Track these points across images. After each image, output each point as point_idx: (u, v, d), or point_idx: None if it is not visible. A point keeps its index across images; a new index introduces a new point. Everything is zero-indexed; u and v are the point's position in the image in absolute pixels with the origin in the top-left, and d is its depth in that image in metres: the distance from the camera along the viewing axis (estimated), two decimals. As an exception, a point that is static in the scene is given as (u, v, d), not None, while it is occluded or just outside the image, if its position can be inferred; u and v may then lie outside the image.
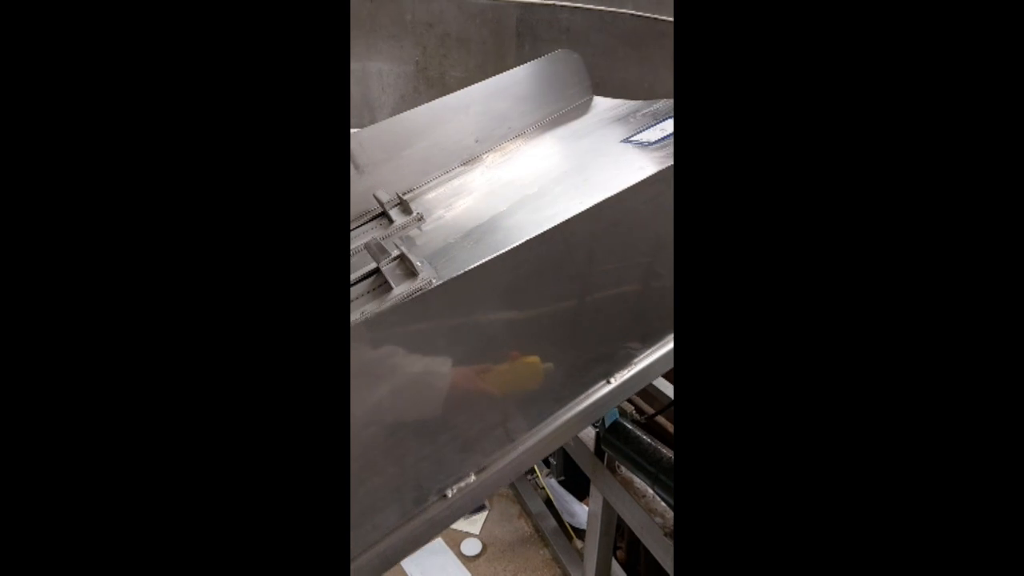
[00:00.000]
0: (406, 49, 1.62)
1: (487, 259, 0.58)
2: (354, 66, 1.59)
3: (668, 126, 0.86)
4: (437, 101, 1.03)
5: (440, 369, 0.59)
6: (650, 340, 0.77)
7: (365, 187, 0.91)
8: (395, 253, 0.66)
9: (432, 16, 1.58)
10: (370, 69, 1.63)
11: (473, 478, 0.65)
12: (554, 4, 1.59)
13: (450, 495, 0.64)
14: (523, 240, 0.59)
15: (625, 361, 0.75)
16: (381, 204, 0.88)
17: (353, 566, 0.59)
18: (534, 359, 0.66)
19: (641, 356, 0.76)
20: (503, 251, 0.59)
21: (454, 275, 0.56)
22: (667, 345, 0.77)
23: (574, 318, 0.68)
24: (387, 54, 1.64)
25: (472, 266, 0.57)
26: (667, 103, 1.03)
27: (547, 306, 0.65)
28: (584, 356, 0.71)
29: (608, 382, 0.73)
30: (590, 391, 0.72)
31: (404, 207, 0.88)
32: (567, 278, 0.65)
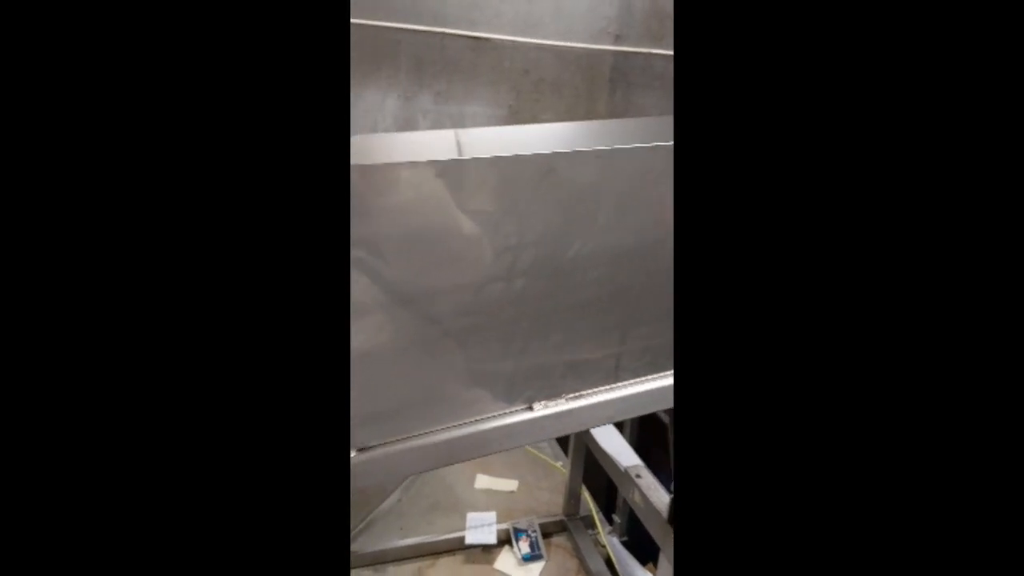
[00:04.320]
0: (501, 94, 1.70)
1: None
2: (452, 110, 1.68)
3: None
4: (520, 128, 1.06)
5: None
6: (586, 379, 0.69)
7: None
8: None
9: (529, 63, 1.65)
10: (466, 112, 1.72)
11: (354, 454, 0.59)
12: (649, 52, 1.61)
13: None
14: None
15: (555, 391, 0.68)
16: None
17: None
18: None
19: (575, 393, 0.69)
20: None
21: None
22: (608, 394, 0.69)
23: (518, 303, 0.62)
24: (484, 99, 1.72)
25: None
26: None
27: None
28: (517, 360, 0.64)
29: (530, 408, 0.67)
30: (509, 411, 0.66)
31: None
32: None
